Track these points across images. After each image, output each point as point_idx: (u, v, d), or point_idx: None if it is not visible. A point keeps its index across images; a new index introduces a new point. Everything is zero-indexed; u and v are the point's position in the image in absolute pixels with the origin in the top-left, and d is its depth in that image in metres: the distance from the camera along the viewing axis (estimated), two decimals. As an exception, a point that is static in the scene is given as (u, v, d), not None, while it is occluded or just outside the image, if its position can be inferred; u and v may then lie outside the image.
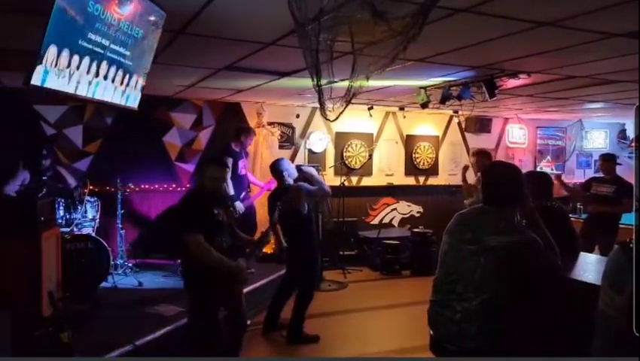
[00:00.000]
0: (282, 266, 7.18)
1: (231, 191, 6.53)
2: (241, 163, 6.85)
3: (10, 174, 5.73)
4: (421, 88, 6.65)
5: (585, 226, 6.73)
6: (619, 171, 6.91)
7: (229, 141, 7.14)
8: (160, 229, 7.54)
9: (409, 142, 10.07)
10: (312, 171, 5.54)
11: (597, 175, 7.46)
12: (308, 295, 5.38)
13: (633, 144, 9.28)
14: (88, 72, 3.37)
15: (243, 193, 6.87)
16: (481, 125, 10.45)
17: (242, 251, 3.91)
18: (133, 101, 4.22)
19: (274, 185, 6.45)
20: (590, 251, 5.13)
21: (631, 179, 6.39)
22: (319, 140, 9.17)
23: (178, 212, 3.93)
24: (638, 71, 4.83)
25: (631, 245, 1.63)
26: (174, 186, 8.02)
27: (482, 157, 6.90)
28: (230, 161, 6.26)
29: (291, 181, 5.40)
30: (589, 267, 3.11)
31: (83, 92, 3.44)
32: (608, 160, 6.92)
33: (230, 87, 6.92)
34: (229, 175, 3.92)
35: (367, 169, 9.62)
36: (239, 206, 6.67)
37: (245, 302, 3.94)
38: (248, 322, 5.47)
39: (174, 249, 5.51)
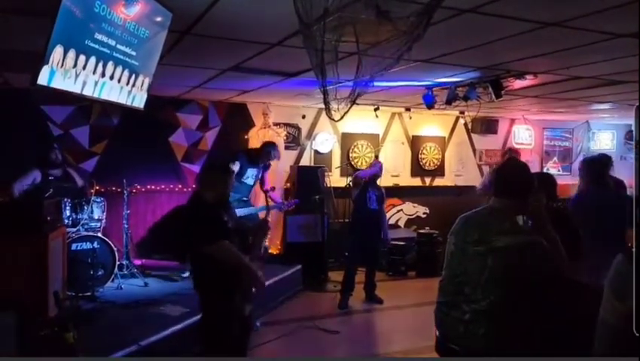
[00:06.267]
0: (286, 267, 7.23)
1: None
2: (253, 171, 6.52)
3: (20, 171, 5.77)
4: (427, 88, 6.64)
5: None
6: (623, 172, 6.78)
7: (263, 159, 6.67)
8: (166, 230, 7.56)
9: (415, 143, 10.05)
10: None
11: None
12: (345, 268, 6.96)
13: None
14: (94, 72, 3.39)
15: (245, 199, 6.55)
16: (487, 126, 10.40)
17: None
18: (139, 102, 4.23)
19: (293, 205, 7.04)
20: None
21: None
22: (325, 140, 9.16)
23: (191, 224, 3.70)
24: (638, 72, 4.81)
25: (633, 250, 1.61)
26: (180, 186, 8.04)
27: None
28: (237, 165, 6.17)
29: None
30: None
31: (89, 92, 3.46)
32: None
33: (236, 88, 6.93)
34: (233, 180, 3.83)
35: (372, 170, 9.60)
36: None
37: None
38: (258, 323, 5.48)
39: (180, 250, 5.52)
